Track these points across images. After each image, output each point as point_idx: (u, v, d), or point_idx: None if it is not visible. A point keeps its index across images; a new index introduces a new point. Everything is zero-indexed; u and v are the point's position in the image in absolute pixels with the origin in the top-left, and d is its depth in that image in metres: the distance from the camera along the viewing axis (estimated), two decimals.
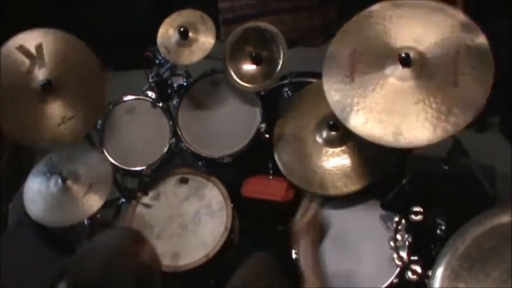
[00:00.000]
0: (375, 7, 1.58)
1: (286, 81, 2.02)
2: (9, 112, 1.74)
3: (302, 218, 1.52)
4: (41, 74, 1.75)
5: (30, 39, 1.77)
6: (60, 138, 1.72)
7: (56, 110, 1.75)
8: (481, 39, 1.41)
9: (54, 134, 1.72)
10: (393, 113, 1.44)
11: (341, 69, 1.56)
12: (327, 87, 1.56)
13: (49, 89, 1.75)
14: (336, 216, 1.74)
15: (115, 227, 1.30)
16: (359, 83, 1.52)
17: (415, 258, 1.50)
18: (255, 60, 1.88)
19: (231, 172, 2.06)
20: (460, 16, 1.46)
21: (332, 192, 1.72)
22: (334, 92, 1.54)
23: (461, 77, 1.40)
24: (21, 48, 1.76)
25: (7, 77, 1.75)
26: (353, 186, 1.70)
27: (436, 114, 1.39)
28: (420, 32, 1.50)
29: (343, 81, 1.54)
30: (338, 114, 1.52)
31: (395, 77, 1.47)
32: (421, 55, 1.46)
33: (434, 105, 1.40)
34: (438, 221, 1.64)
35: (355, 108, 1.49)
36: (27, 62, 1.76)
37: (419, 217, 1.55)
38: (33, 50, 1.77)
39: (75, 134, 1.73)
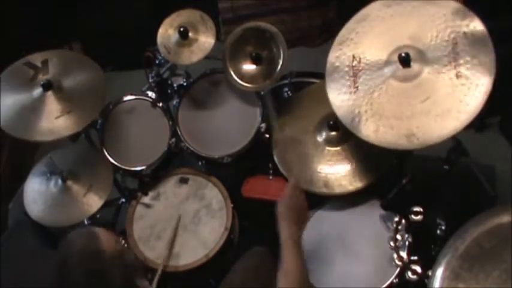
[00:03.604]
0: (365, 10, 1.59)
1: (286, 81, 2.02)
2: (10, 109, 1.76)
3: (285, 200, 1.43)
4: (44, 78, 1.81)
5: (37, 57, 1.87)
6: (56, 130, 1.74)
7: (55, 105, 1.77)
8: (476, 23, 1.41)
9: (50, 127, 1.74)
10: (402, 116, 1.43)
11: (344, 80, 1.56)
12: (333, 99, 1.55)
13: (49, 88, 1.77)
14: (336, 216, 1.74)
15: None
16: (363, 91, 1.51)
17: (415, 258, 1.50)
18: (255, 60, 1.88)
19: (231, 172, 2.06)
20: (451, 4, 1.45)
21: (338, 191, 1.71)
22: (340, 103, 1.54)
23: (464, 67, 1.39)
24: (28, 64, 1.84)
25: (11, 82, 1.81)
26: (358, 184, 1.70)
27: (445, 108, 1.38)
28: (415, 27, 1.49)
29: (348, 91, 1.53)
30: (349, 126, 1.51)
31: (398, 79, 1.47)
32: (420, 52, 1.46)
33: (441, 100, 1.39)
34: (438, 221, 1.64)
35: (364, 117, 1.48)
36: (32, 72, 1.83)
37: (419, 217, 1.55)
38: (39, 64, 1.85)
39: (72, 126, 1.75)
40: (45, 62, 1.84)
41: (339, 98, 1.55)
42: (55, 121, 1.75)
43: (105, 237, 1.18)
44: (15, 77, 1.83)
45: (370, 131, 1.46)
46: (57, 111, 1.76)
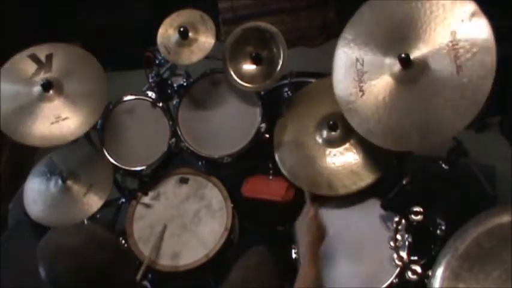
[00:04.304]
0: (363, 12, 1.58)
1: (286, 81, 2.02)
2: (9, 108, 1.76)
3: (303, 218, 1.53)
4: (44, 77, 1.79)
5: (43, 50, 1.85)
6: (48, 138, 1.73)
7: (52, 109, 1.77)
8: (472, 7, 1.41)
9: (44, 132, 1.73)
10: (403, 115, 1.44)
11: (350, 84, 1.57)
12: (345, 109, 1.58)
13: (49, 88, 1.77)
14: (336, 216, 1.74)
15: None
16: (369, 94, 1.52)
17: (415, 258, 1.50)
18: (255, 60, 1.88)
19: (231, 172, 2.06)
20: (452, 3, 1.45)
21: (341, 191, 1.71)
22: (352, 112, 1.56)
23: (464, 66, 1.39)
24: (33, 56, 1.82)
25: (11, 77, 1.79)
26: (362, 183, 1.70)
27: (447, 108, 1.39)
28: (415, 27, 1.49)
29: (355, 95, 1.55)
30: (364, 134, 1.54)
31: (398, 79, 1.48)
32: (420, 52, 1.46)
33: (442, 99, 1.40)
34: (438, 221, 1.64)
35: (374, 121, 1.50)
36: (34, 67, 1.81)
37: (419, 217, 1.55)
38: (43, 59, 1.83)
39: (65, 135, 1.74)
40: (49, 57, 1.83)
41: (349, 106, 1.57)
42: (50, 127, 1.74)
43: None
44: (17, 70, 1.81)
45: (382, 135, 1.49)
46: (54, 116, 1.75)
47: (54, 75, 1.81)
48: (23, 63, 1.83)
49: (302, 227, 1.50)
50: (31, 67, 1.82)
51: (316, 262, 1.41)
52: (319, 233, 1.50)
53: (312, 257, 1.41)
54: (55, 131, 1.74)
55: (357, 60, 1.57)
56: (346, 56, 1.60)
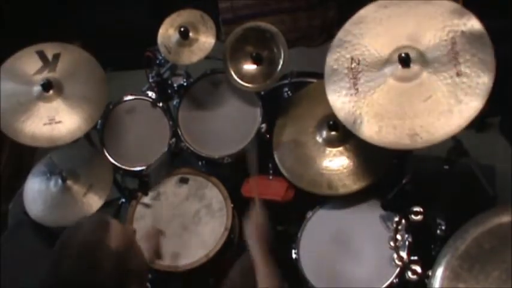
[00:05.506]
0: (362, 12, 1.58)
1: (286, 81, 2.02)
2: (7, 103, 1.76)
3: (250, 225, 1.59)
4: (47, 76, 1.80)
5: (51, 48, 1.85)
6: (38, 138, 1.73)
7: (49, 110, 1.77)
8: (474, 22, 1.41)
9: (35, 132, 1.73)
10: (404, 115, 1.43)
11: (343, 82, 1.55)
12: (334, 102, 1.55)
13: (49, 89, 1.76)
14: (336, 216, 1.74)
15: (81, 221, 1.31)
16: (364, 93, 1.51)
17: (415, 258, 1.50)
18: (256, 60, 1.88)
19: (231, 172, 2.05)
20: (447, 3, 1.46)
21: (342, 191, 1.71)
22: (341, 105, 1.53)
23: (463, 65, 1.39)
24: (40, 53, 1.82)
25: (13, 72, 1.80)
26: (362, 183, 1.70)
27: (447, 106, 1.38)
28: (413, 28, 1.49)
29: (348, 93, 1.53)
30: (350, 127, 1.50)
31: (398, 79, 1.47)
32: (419, 52, 1.46)
33: (443, 99, 1.39)
34: (438, 221, 1.64)
35: (366, 118, 1.47)
36: (39, 64, 1.81)
37: (419, 217, 1.55)
38: (50, 58, 1.83)
39: (55, 138, 1.74)
40: (57, 56, 1.83)
41: (340, 100, 1.54)
42: (42, 127, 1.74)
43: (114, 233, 1.21)
44: (20, 65, 1.81)
45: (372, 132, 1.46)
46: (48, 117, 1.75)
47: (57, 75, 1.81)
48: (28, 58, 1.82)
49: (250, 233, 1.57)
50: (36, 64, 1.81)
51: (268, 261, 1.48)
52: (266, 238, 1.56)
53: (264, 259, 1.48)
54: (46, 132, 1.74)
55: (352, 59, 1.56)
56: (341, 55, 1.59)
